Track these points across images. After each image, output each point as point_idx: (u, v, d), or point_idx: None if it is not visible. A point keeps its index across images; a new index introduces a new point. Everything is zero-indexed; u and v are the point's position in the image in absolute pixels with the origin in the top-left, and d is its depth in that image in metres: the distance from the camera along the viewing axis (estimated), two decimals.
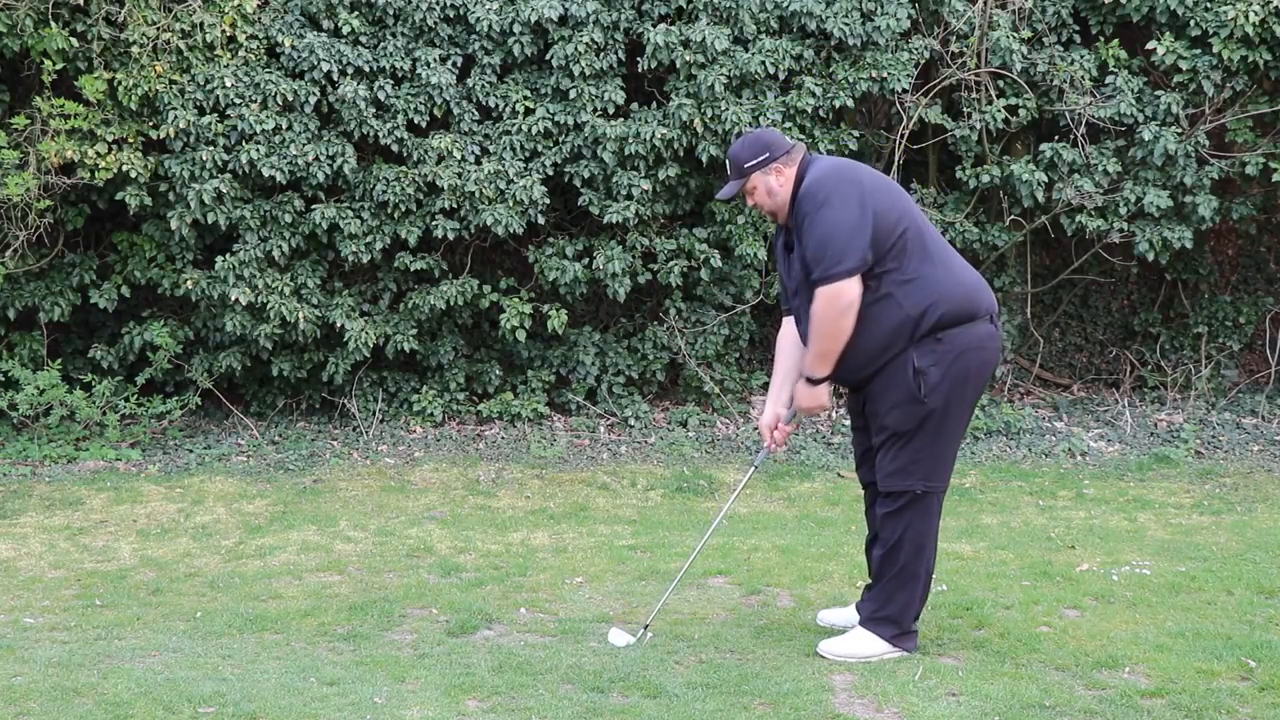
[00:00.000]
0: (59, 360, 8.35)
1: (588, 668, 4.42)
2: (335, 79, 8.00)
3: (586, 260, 8.39)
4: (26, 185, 7.66)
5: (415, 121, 8.11)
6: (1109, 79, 8.41)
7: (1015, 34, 8.33)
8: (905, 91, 8.36)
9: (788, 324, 4.68)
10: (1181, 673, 4.33)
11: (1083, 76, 8.34)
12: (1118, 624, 4.91)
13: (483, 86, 8.19)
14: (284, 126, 7.96)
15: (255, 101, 7.92)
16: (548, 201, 8.18)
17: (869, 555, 4.68)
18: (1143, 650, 4.56)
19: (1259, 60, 8.16)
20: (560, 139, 8.23)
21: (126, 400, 8.27)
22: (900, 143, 8.51)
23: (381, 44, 8.09)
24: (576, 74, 8.05)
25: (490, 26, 8.05)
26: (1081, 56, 8.42)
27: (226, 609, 5.23)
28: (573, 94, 8.11)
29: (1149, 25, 8.46)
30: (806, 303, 4.41)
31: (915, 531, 4.45)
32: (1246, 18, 8.01)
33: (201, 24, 7.87)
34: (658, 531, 6.58)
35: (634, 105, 8.24)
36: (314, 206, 8.11)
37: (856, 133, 8.50)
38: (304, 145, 7.96)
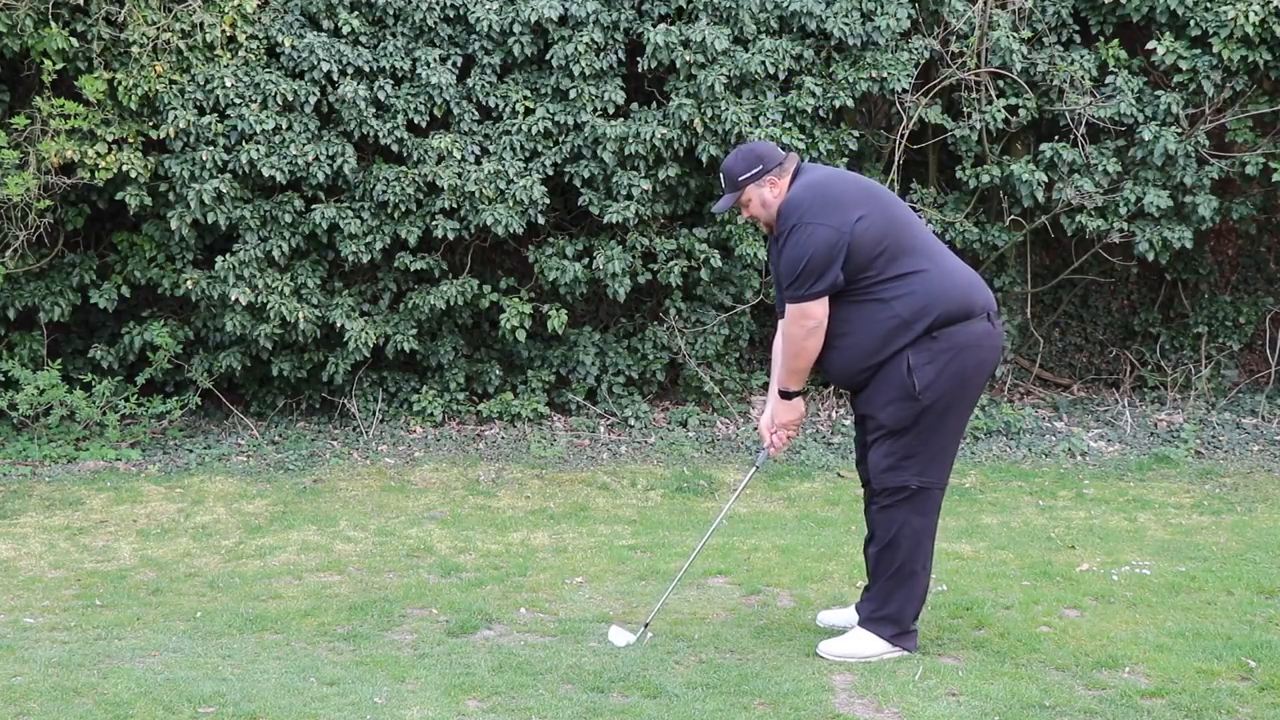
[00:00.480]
0: (59, 360, 8.35)
1: (588, 668, 4.42)
2: (335, 79, 8.00)
3: (586, 260, 8.39)
4: (26, 185, 7.66)
5: (415, 121, 8.10)
6: (1109, 79, 8.41)
7: (1015, 34, 8.33)
8: (905, 91, 8.36)
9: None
10: (1181, 673, 4.33)
11: (1083, 76, 8.34)
12: (1118, 624, 4.91)
13: (483, 86, 8.19)
14: (284, 126, 7.96)
15: (255, 101, 7.92)
16: (548, 201, 8.18)
17: (867, 554, 4.68)
18: (1143, 650, 4.57)
19: (1259, 60, 8.16)
20: (560, 139, 8.23)
21: (126, 400, 8.27)
22: (900, 143, 8.51)
23: (381, 44, 8.09)
24: (576, 74, 8.05)
25: (490, 26, 8.05)
26: (1081, 56, 8.42)
27: (226, 609, 5.23)
28: (573, 94, 8.11)
29: (1149, 25, 8.46)
30: (783, 315, 4.50)
31: (912, 529, 4.46)
32: (1246, 18, 8.01)
33: (201, 24, 7.87)
34: (658, 531, 6.58)
35: (634, 105, 8.24)
36: (314, 206, 8.11)
37: (856, 133, 8.50)
38: (304, 145, 7.96)
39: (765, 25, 8.24)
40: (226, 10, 7.92)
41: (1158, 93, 8.34)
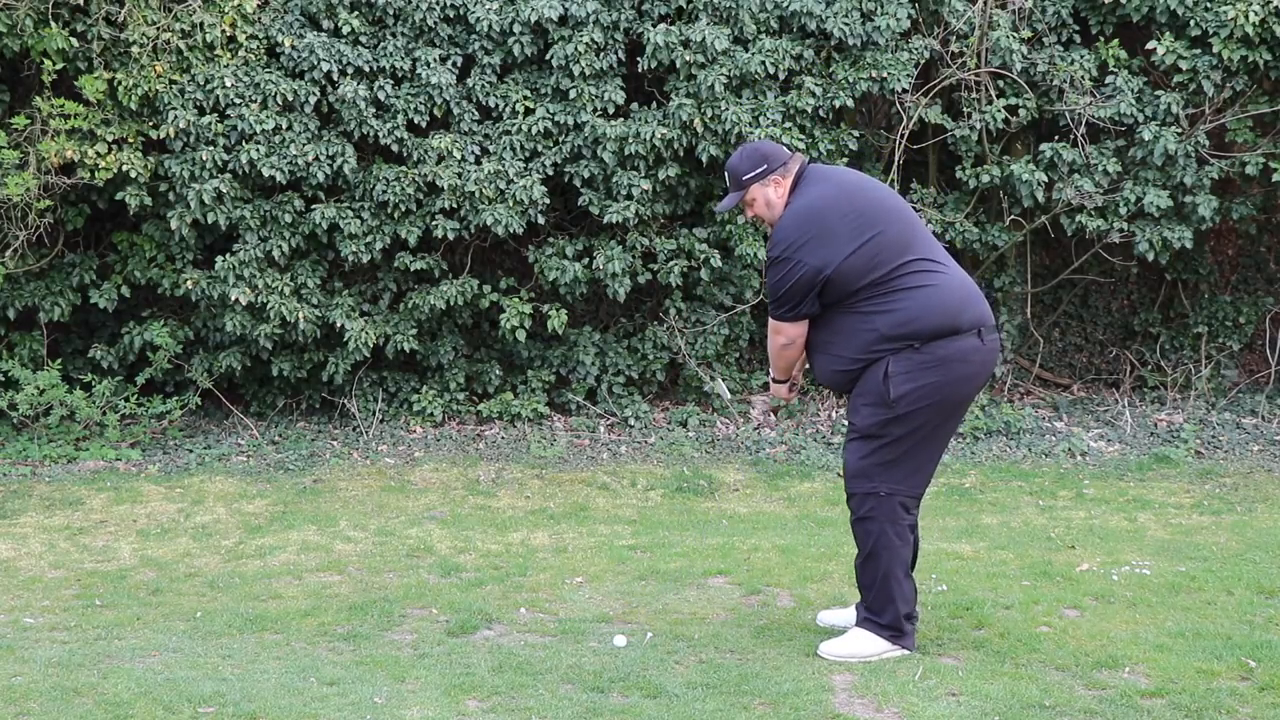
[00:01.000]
0: (59, 360, 8.35)
1: (588, 668, 4.42)
2: (335, 79, 8.01)
3: (586, 260, 8.39)
4: (26, 185, 7.66)
5: (415, 121, 8.11)
6: (1109, 79, 8.41)
7: (1015, 34, 8.33)
8: (905, 91, 8.36)
9: None
10: (1181, 673, 4.33)
11: (1083, 76, 8.34)
12: (1118, 624, 4.91)
13: (483, 86, 8.19)
14: (284, 126, 7.96)
15: (255, 101, 7.92)
16: (548, 201, 8.18)
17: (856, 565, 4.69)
18: (1143, 650, 4.56)
19: (1259, 60, 8.16)
20: (560, 139, 8.23)
21: (126, 400, 8.27)
22: (900, 143, 8.50)
23: (381, 44, 8.09)
24: (576, 74, 8.05)
25: (490, 26, 8.05)
26: (1081, 56, 8.42)
27: (226, 609, 5.23)
28: (573, 94, 8.11)
29: (1149, 25, 8.46)
30: None
31: (888, 538, 4.46)
32: (1246, 18, 8.00)
33: (201, 24, 7.87)
34: (658, 531, 6.58)
35: (634, 105, 8.24)
36: (314, 206, 8.11)
37: (856, 133, 8.49)
38: (304, 145, 7.96)
39: (765, 25, 8.24)
40: (226, 10, 7.92)
41: (1158, 93, 8.34)
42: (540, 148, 8.21)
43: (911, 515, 4.51)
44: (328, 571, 5.86)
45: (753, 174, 4.49)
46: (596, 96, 8.12)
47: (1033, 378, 9.35)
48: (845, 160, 8.32)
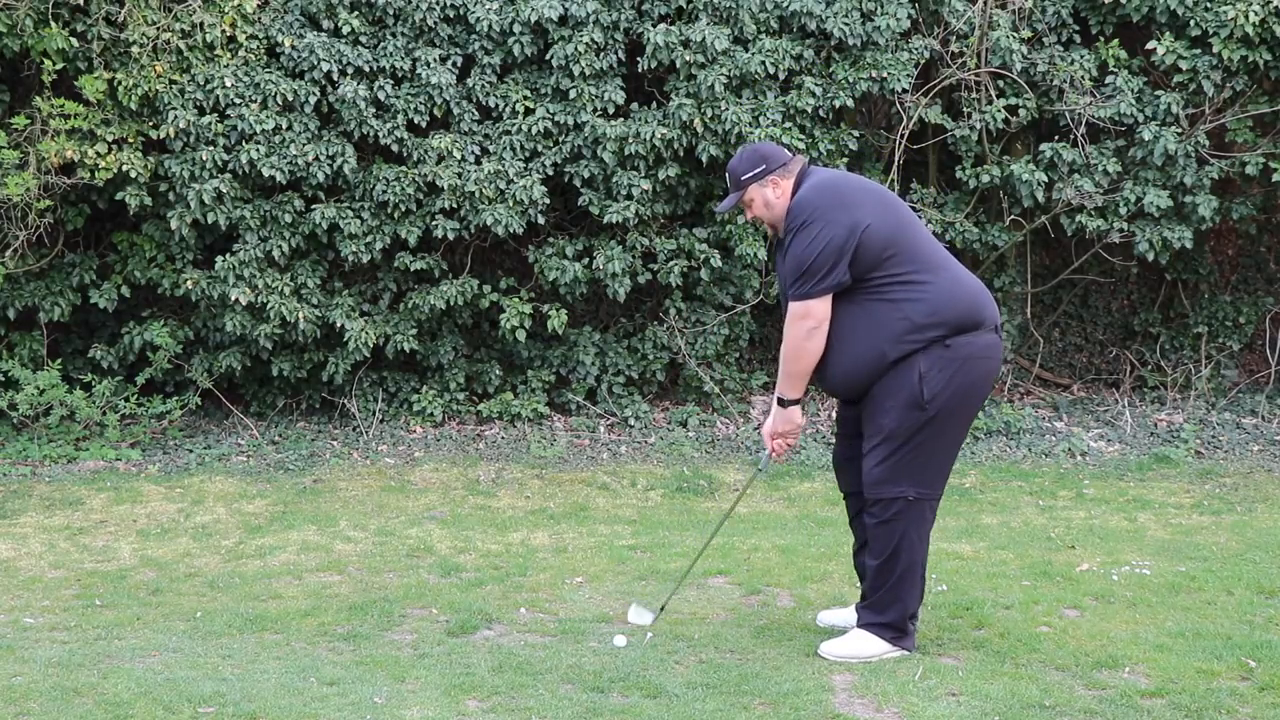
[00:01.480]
0: (59, 360, 8.35)
1: (588, 668, 4.42)
2: (335, 79, 8.01)
3: (586, 260, 8.39)
4: (26, 185, 7.66)
5: (415, 121, 8.11)
6: (1109, 79, 8.41)
7: (1015, 34, 8.33)
8: (905, 91, 8.36)
9: None
10: (1181, 673, 4.33)
11: (1083, 76, 8.34)
12: (1118, 624, 4.91)
13: (483, 86, 8.19)
14: (284, 126, 7.96)
15: (255, 101, 7.92)
16: (548, 201, 8.18)
17: (857, 562, 4.67)
18: (1143, 650, 4.56)
19: (1259, 60, 8.16)
20: (560, 139, 8.23)
21: (126, 400, 8.27)
22: (900, 143, 8.51)
23: (381, 44, 8.09)
24: (576, 74, 8.05)
25: (490, 26, 8.05)
26: (1081, 56, 8.42)
27: (226, 609, 5.23)
28: (573, 94, 8.11)
29: (1149, 25, 8.46)
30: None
31: (910, 540, 4.42)
32: (1246, 18, 8.01)
33: (201, 24, 7.87)
34: (658, 531, 6.59)
35: (634, 105, 8.24)
36: (314, 206, 8.11)
37: (856, 133, 8.49)
38: (304, 145, 7.96)
39: (765, 25, 8.24)
40: (226, 10, 7.92)
41: (1158, 93, 8.34)
42: (540, 148, 8.21)
43: (934, 518, 4.50)
44: (328, 571, 5.86)
45: (751, 174, 4.49)
46: (596, 96, 8.12)
47: (1033, 378, 9.36)
48: (845, 160, 8.32)
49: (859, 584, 4.75)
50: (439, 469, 7.77)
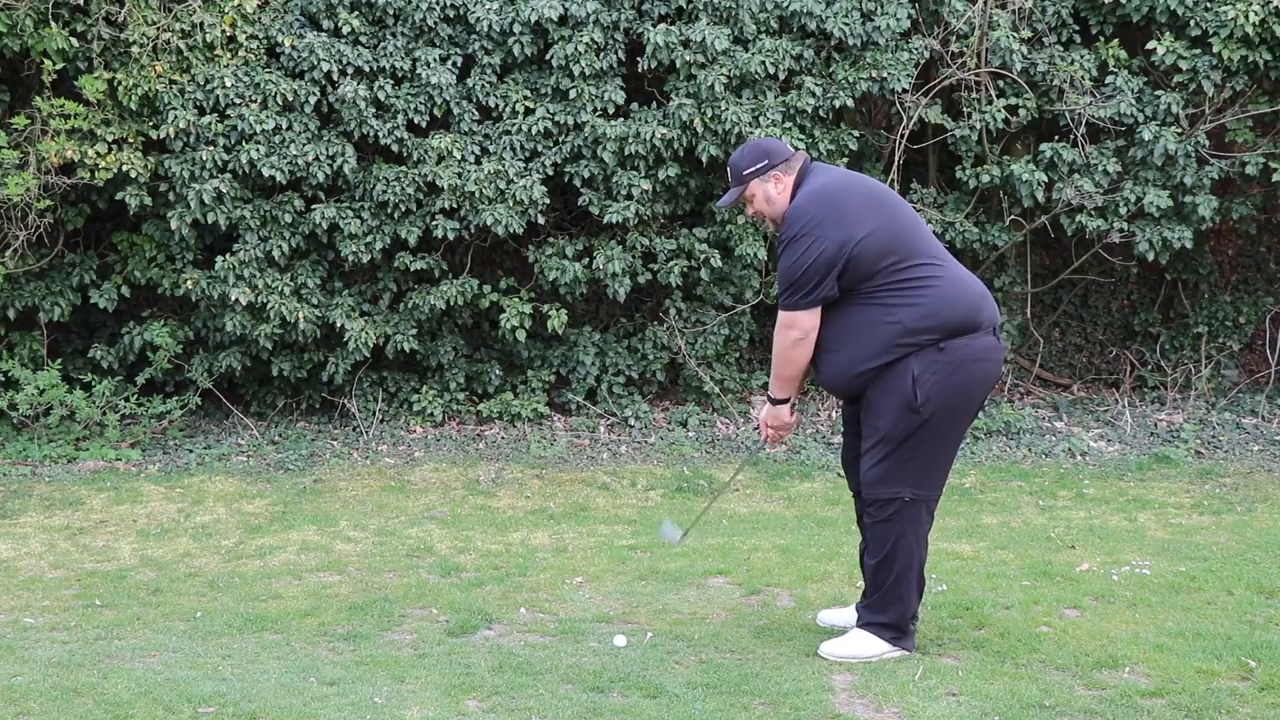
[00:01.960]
0: (59, 360, 8.35)
1: (588, 668, 4.42)
2: (335, 79, 8.01)
3: (586, 260, 8.39)
4: (26, 185, 7.66)
5: (415, 121, 8.11)
6: (1109, 79, 8.41)
7: (1015, 34, 8.33)
8: (905, 91, 8.36)
9: None
10: (1181, 673, 4.33)
11: (1083, 76, 8.34)
12: (1118, 624, 4.91)
13: (483, 86, 8.19)
14: (284, 126, 7.96)
15: (255, 101, 7.92)
16: (548, 201, 8.18)
17: (863, 563, 4.66)
18: (1143, 650, 4.56)
19: (1259, 60, 8.16)
20: (560, 139, 8.23)
21: (126, 400, 8.28)
22: (900, 143, 8.50)
23: (381, 44, 8.09)
24: (576, 74, 8.05)
25: (490, 26, 8.05)
26: (1081, 56, 8.42)
27: (226, 609, 5.23)
28: (573, 94, 8.11)
29: (1149, 25, 8.46)
30: None
31: (907, 541, 4.41)
32: (1246, 18, 8.01)
33: (201, 24, 7.87)
34: (658, 531, 6.58)
35: (634, 105, 8.24)
36: (314, 206, 8.11)
37: (856, 133, 8.49)
38: (304, 145, 7.96)
39: (765, 25, 8.24)
40: (226, 10, 7.92)
41: (1158, 93, 8.34)
42: (540, 148, 8.21)
43: (932, 519, 4.50)
44: (328, 571, 5.86)
45: (753, 169, 4.47)
46: (596, 96, 8.12)
47: (1033, 378, 9.36)
48: (845, 160, 8.32)
49: (860, 583, 4.75)
50: (439, 469, 7.77)
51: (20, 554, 6.20)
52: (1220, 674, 4.33)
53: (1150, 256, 8.45)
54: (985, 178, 8.48)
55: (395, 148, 8.11)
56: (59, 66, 7.72)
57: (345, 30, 8.03)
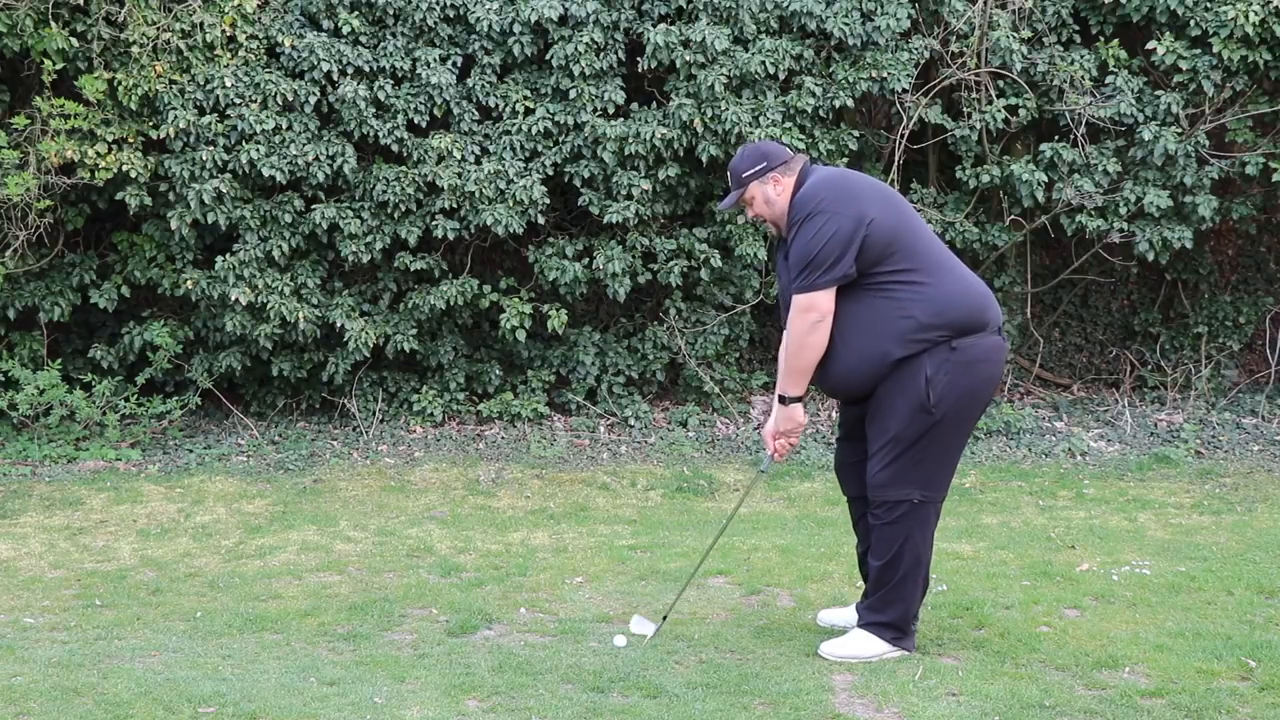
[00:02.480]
0: (59, 360, 8.35)
1: (588, 668, 4.42)
2: (335, 79, 8.01)
3: (586, 260, 8.39)
4: (26, 185, 7.66)
5: (415, 121, 8.11)
6: (1109, 79, 8.41)
7: (1015, 34, 8.33)
8: (905, 91, 8.36)
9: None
10: (1181, 673, 4.33)
11: (1083, 76, 8.34)
12: (1118, 624, 4.91)
13: (483, 86, 8.19)
14: (284, 126, 7.96)
15: (255, 101, 7.92)
16: (548, 201, 8.18)
17: (862, 564, 4.66)
18: (1143, 650, 4.56)
19: (1259, 60, 8.16)
20: (560, 139, 8.23)
21: (126, 400, 8.28)
22: (900, 143, 8.50)
23: (381, 44, 8.09)
24: (576, 74, 8.05)
25: (490, 26, 8.05)
26: (1081, 56, 8.41)
27: (226, 609, 5.23)
28: (573, 94, 8.11)
29: (1149, 25, 8.46)
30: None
31: (914, 543, 4.42)
32: (1246, 18, 8.01)
33: (201, 24, 7.87)
34: (658, 531, 6.58)
35: (634, 105, 8.24)
36: (314, 206, 8.11)
37: (856, 133, 8.49)
38: (304, 145, 7.96)
39: (765, 25, 8.24)
40: (226, 10, 7.92)
41: (1158, 93, 8.34)
42: (540, 148, 8.21)
43: (938, 519, 4.50)
44: (328, 571, 5.86)
45: (752, 171, 4.48)
46: (596, 96, 8.12)
47: (1033, 378, 9.36)
48: (845, 160, 8.32)
49: (860, 584, 4.75)
50: (439, 469, 7.77)
51: (20, 554, 6.20)
52: (1220, 674, 4.33)
53: (1150, 256, 8.45)
54: (985, 178, 8.48)
55: (395, 148, 8.11)
56: (59, 66, 7.72)
57: (345, 30, 8.03)
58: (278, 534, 6.53)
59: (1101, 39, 8.52)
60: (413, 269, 8.30)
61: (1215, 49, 8.12)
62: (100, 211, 8.40)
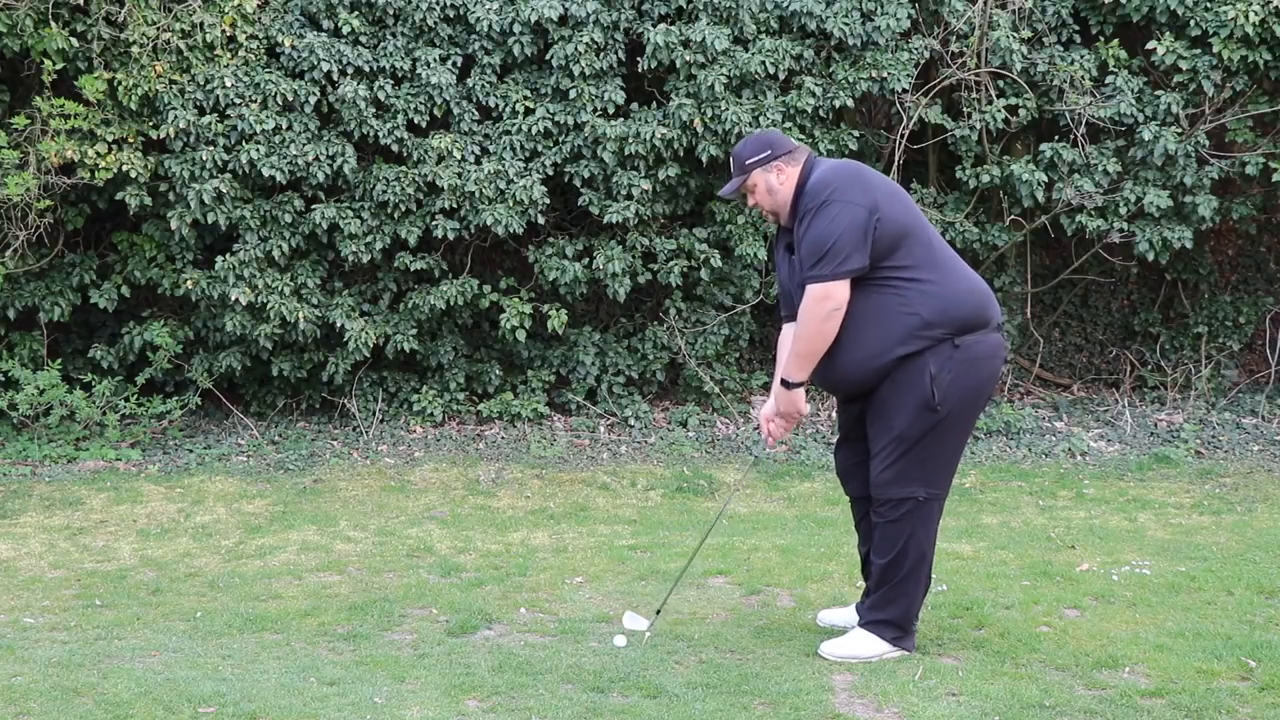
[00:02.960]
0: (59, 360, 8.35)
1: (588, 668, 4.42)
2: (335, 79, 8.01)
3: (586, 260, 8.39)
4: (26, 185, 7.66)
5: (415, 121, 8.11)
6: (1109, 79, 8.42)
7: (1015, 34, 8.33)
8: (905, 91, 8.36)
9: (788, 329, 4.58)
10: (1181, 673, 4.33)
11: (1083, 76, 8.34)
12: (1118, 624, 4.91)
13: (483, 86, 8.19)
14: (284, 126, 7.96)
15: (255, 101, 7.92)
16: (548, 201, 8.18)
17: (865, 564, 4.66)
18: (1143, 650, 4.56)
19: (1259, 60, 8.16)
20: (560, 139, 8.23)
21: (126, 400, 8.28)
22: (900, 143, 8.51)
23: (381, 44, 8.10)
24: (576, 74, 8.05)
25: (490, 26, 8.05)
26: (1081, 56, 8.42)
27: (226, 609, 5.23)
28: (573, 94, 8.11)
29: (1149, 25, 8.46)
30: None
31: (918, 540, 4.42)
32: (1246, 18, 8.01)
33: (201, 24, 7.87)
34: (658, 531, 6.58)
35: (634, 105, 8.24)
36: (314, 206, 8.11)
37: (856, 133, 8.49)
38: (304, 145, 7.96)
39: (765, 25, 8.24)
40: (226, 10, 7.92)
41: (1158, 93, 8.34)
42: (540, 148, 8.21)
43: (940, 516, 4.49)
44: (328, 571, 5.86)
45: (756, 158, 4.44)
46: (596, 96, 8.12)
47: (1033, 378, 9.36)
48: None
49: (860, 584, 4.75)
50: (439, 469, 7.77)
51: (20, 554, 6.20)
52: (1220, 674, 4.33)
53: (1150, 256, 8.45)
54: (985, 178, 8.48)
55: (395, 148, 8.11)
56: (59, 66, 7.72)
57: (345, 30, 8.03)
58: (278, 534, 6.53)
59: (1101, 39, 8.52)
60: (413, 269, 8.30)
61: (1215, 49, 8.13)
62: (100, 211, 8.40)
